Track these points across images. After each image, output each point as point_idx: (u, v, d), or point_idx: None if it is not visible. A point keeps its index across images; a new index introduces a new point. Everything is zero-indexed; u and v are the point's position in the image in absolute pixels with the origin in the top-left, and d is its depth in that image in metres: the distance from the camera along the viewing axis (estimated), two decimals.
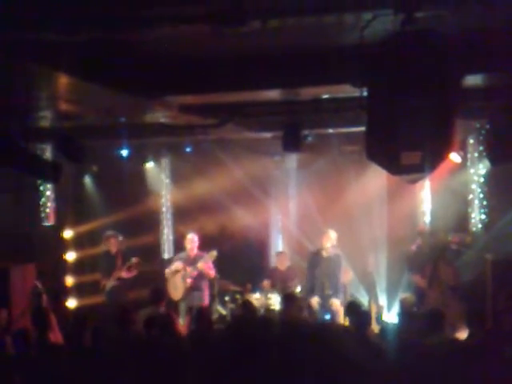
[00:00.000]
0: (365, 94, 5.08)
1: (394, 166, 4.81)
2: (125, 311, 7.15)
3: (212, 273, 10.34)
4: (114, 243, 10.76)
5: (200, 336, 6.13)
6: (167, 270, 10.46)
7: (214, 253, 10.26)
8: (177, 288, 10.27)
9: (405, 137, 4.67)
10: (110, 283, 10.61)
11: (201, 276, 10.29)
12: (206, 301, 10.37)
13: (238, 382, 4.78)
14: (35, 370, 5.79)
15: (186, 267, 10.25)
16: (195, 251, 10.40)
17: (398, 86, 4.69)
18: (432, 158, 4.70)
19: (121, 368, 5.71)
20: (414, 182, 5.86)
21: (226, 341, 5.60)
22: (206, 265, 10.25)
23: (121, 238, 10.87)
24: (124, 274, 10.59)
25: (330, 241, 10.05)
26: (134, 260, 10.57)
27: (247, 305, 8.12)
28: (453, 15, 4.88)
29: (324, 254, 10.10)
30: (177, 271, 10.26)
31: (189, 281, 10.23)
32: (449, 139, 4.77)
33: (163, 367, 5.56)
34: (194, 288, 10.26)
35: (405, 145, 4.69)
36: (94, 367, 5.73)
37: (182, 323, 9.31)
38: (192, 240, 10.42)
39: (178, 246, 11.42)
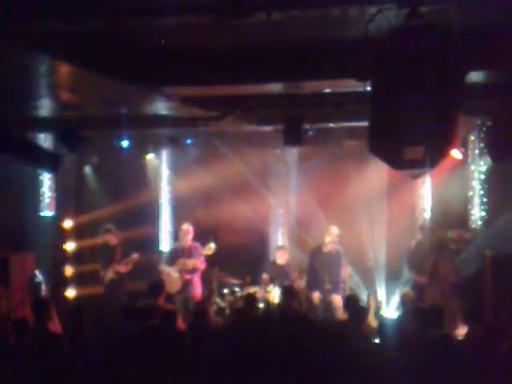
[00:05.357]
0: (368, 88, 5.07)
1: (396, 160, 4.81)
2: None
3: (203, 266, 10.33)
4: (112, 236, 10.77)
5: (200, 330, 6.11)
6: (163, 266, 10.43)
7: (212, 245, 10.15)
8: (173, 281, 10.23)
9: (408, 132, 4.66)
10: (108, 275, 10.63)
11: (194, 269, 10.28)
12: (199, 293, 10.33)
13: (238, 377, 4.80)
14: (34, 358, 5.79)
15: (182, 260, 10.23)
16: (190, 242, 10.38)
17: (402, 80, 4.68)
18: (434, 154, 4.70)
19: (120, 358, 5.72)
20: (416, 177, 5.85)
21: (227, 334, 5.60)
22: (199, 260, 10.25)
23: (119, 231, 10.88)
24: (122, 269, 10.61)
25: (331, 236, 10.03)
26: (134, 256, 10.57)
27: (250, 298, 8.06)
28: (457, 10, 4.87)
29: (324, 249, 10.09)
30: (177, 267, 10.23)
31: (185, 274, 10.22)
32: (451, 135, 4.77)
33: (163, 358, 5.56)
34: (189, 281, 10.26)
35: (407, 139, 4.68)
36: (92, 357, 5.73)
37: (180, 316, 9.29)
38: (187, 231, 10.37)
39: (177, 238, 11.41)
